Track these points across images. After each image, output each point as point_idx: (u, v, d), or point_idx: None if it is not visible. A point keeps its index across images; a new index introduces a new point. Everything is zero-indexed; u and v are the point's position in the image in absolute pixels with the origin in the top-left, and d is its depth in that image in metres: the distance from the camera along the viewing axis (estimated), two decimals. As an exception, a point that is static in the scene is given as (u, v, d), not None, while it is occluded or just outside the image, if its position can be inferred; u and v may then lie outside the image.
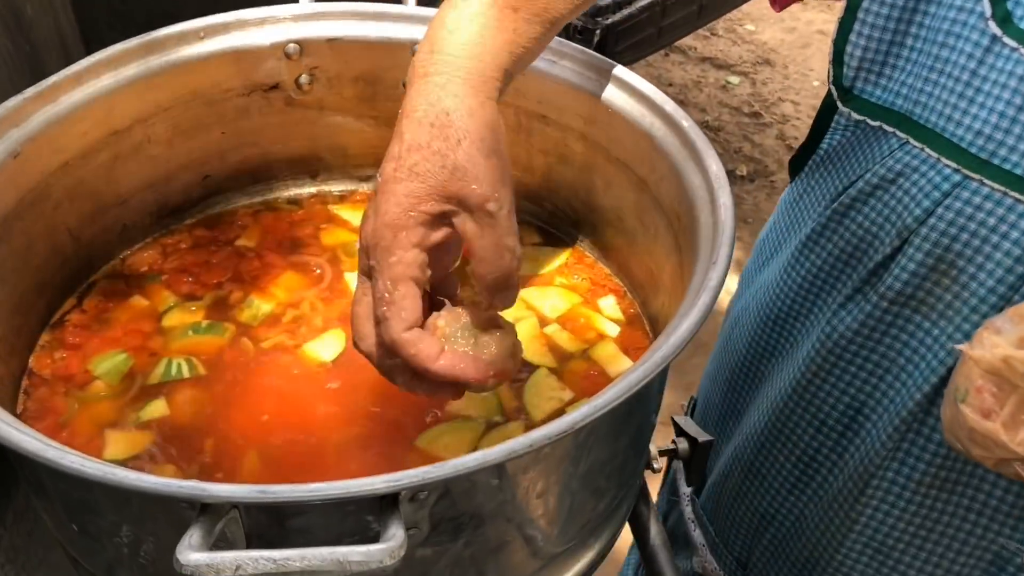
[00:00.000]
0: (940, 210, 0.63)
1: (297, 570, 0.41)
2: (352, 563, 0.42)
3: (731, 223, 0.60)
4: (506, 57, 0.57)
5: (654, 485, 0.95)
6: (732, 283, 0.83)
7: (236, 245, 0.81)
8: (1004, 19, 0.59)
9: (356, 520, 0.48)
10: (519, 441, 0.47)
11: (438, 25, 0.57)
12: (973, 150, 0.61)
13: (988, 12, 0.59)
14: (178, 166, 0.80)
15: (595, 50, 1.77)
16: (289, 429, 0.65)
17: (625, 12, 1.79)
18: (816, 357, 0.75)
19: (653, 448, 0.85)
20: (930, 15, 0.63)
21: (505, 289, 0.56)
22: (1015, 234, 0.61)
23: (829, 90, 0.70)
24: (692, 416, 1.02)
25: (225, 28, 0.76)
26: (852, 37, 0.67)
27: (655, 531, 0.82)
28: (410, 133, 0.54)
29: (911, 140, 0.65)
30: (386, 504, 0.46)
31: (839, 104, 0.70)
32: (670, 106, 0.70)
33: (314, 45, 0.79)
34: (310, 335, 0.73)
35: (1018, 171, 0.59)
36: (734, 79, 3.65)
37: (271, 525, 0.48)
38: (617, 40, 1.80)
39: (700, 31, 3.89)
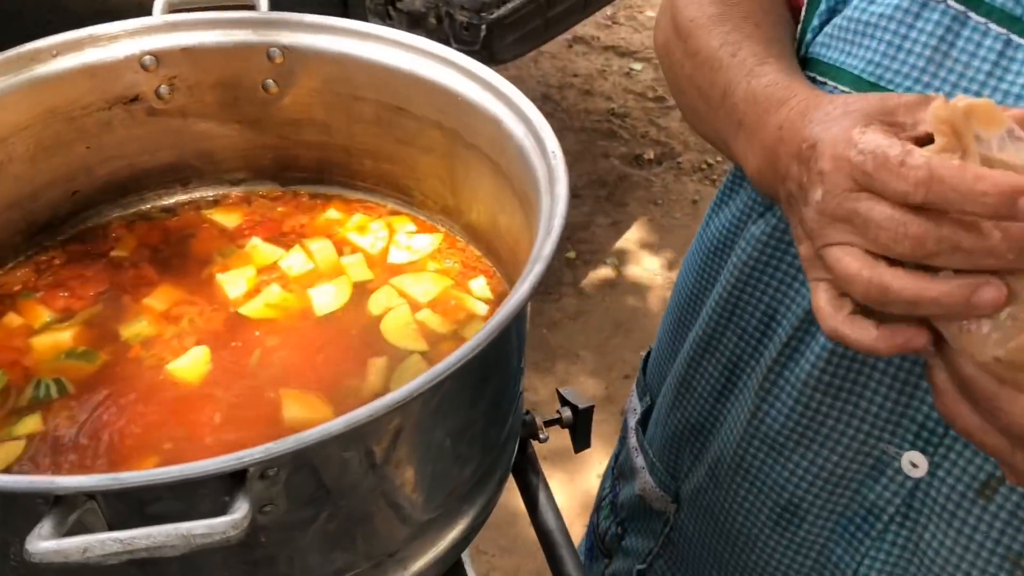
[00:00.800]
0: None
1: (144, 548, 0.44)
2: (196, 536, 0.44)
3: (564, 195, 0.63)
4: None
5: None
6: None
7: (111, 257, 0.82)
8: None
9: (212, 502, 0.50)
10: (359, 412, 0.50)
11: None
12: (863, 75, 0.67)
13: None
14: (44, 183, 0.81)
15: (482, 44, 1.81)
16: (165, 441, 0.67)
17: (510, 6, 1.82)
18: (738, 268, 0.80)
19: (538, 419, 0.90)
20: None
21: None
22: None
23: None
24: (646, 365, 1.07)
25: (78, 44, 0.78)
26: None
27: (543, 499, 0.86)
28: None
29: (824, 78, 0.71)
30: (236, 482, 0.48)
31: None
32: (512, 91, 0.73)
33: (170, 55, 0.81)
34: (181, 351, 0.74)
35: (899, 91, 0.65)
36: (637, 66, 3.73)
37: (130, 514, 0.50)
38: (504, 33, 1.84)
39: (601, 20, 3.96)
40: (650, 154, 3.29)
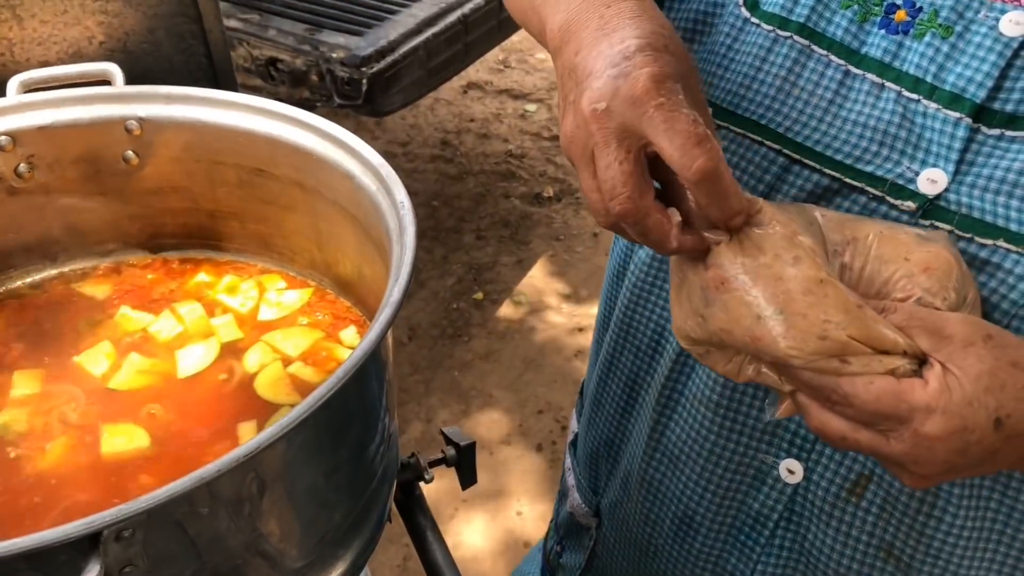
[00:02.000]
0: None
1: (-7, 619, 0.45)
2: (46, 603, 0.45)
3: (412, 243, 0.67)
4: None
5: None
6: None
7: (-24, 338, 0.82)
8: (752, 5, 0.72)
9: (71, 568, 0.51)
10: (207, 468, 0.52)
11: None
12: (723, 104, 0.73)
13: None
14: (-96, 269, 0.81)
15: (365, 99, 1.85)
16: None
17: (388, 59, 1.87)
18: (629, 290, 0.85)
19: (423, 459, 0.92)
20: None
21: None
22: (751, 168, 0.72)
23: None
24: (581, 391, 1.11)
25: (-71, 130, 0.79)
26: None
27: (431, 538, 0.88)
28: None
29: None
30: (91, 546, 0.50)
31: None
32: (362, 147, 0.77)
33: (26, 134, 0.82)
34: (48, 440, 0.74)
35: (773, 125, 0.71)
36: (531, 107, 3.82)
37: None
38: (386, 86, 1.88)
39: (494, 65, 4.05)
40: (549, 191, 3.36)
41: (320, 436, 0.62)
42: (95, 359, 0.80)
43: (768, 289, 0.58)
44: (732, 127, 0.73)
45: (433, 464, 0.93)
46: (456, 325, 2.85)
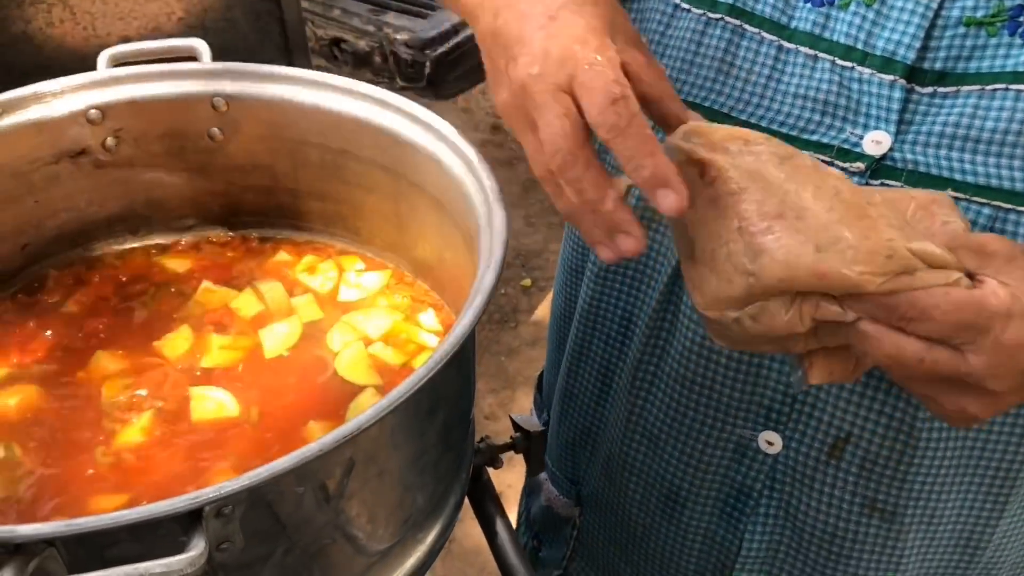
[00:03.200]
0: None
1: (103, 589, 0.45)
2: (154, 575, 0.46)
3: (502, 228, 0.66)
4: None
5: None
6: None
7: (61, 312, 0.83)
8: None
9: (171, 542, 0.51)
10: (309, 447, 0.52)
11: None
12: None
13: None
14: (-8, 237, 0.82)
15: (427, 81, 1.85)
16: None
17: (452, 42, 1.86)
18: (593, 279, 0.87)
19: (493, 445, 0.92)
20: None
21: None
22: None
23: None
24: (540, 384, 1.11)
25: (23, 102, 0.79)
26: None
27: (501, 526, 0.88)
28: None
29: None
30: (192, 521, 0.50)
31: None
32: (451, 132, 0.76)
33: (115, 108, 0.83)
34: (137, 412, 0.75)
35: (717, 108, 0.73)
36: (584, 93, 3.80)
37: (90, 558, 0.51)
38: (448, 70, 1.87)
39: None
40: (600, 180, 3.35)
41: (413, 418, 0.61)
42: (181, 337, 0.80)
43: (818, 220, 0.55)
44: None
45: (502, 449, 0.92)
46: (503, 311, 2.85)
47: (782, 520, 0.81)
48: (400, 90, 2.00)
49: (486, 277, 0.63)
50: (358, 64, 1.92)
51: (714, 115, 0.73)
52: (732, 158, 0.58)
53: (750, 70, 0.72)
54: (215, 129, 0.85)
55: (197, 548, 0.47)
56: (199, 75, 0.84)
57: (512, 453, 0.94)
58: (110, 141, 0.84)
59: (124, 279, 0.87)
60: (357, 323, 0.83)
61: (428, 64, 1.83)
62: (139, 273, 0.88)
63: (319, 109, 0.82)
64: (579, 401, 0.95)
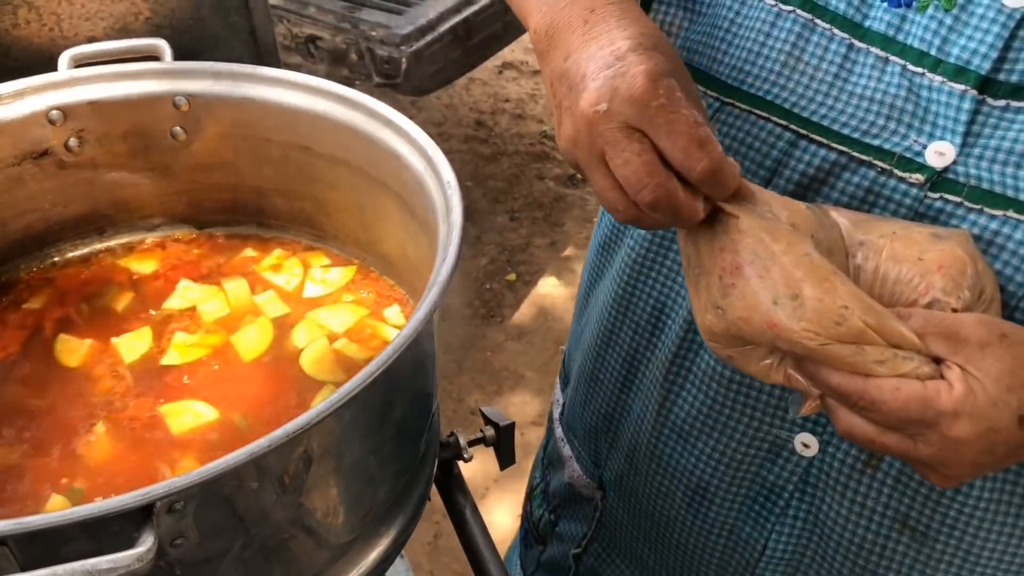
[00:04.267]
0: None
1: (51, 585, 0.46)
2: (101, 571, 0.46)
3: (459, 221, 0.67)
4: None
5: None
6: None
7: (24, 309, 0.83)
8: None
9: (125, 539, 0.52)
10: (259, 443, 0.52)
11: None
12: (728, 80, 0.74)
13: None
14: (-44, 241, 0.82)
15: (403, 77, 1.85)
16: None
17: (428, 38, 1.86)
18: (627, 265, 0.86)
19: (463, 439, 0.92)
20: None
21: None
22: (758, 144, 0.73)
23: None
24: (564, 362, 1.12)
25: (-18, 104, 0.80)
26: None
27: (470, 517, 0.89)
28: None
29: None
30: (144, 517, 0.50)
31: None
32: (409, 126, 0.77)
33: (77, 109, 0.83)
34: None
35: (779, 101, 0.72)
36: (567, 87, 3.80)
37: (44, 556, 0.52)
38: (424, 65, 1.88)
39: (529, 45, 4.03)
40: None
41: (368, 413, 0.62)
42: (140, 337, 0.80)
43: (784, 274, 0.58)
44: (738, 103, 0.74)
45: (472, 443, 0.93)
46: (489, 306, 2.86)
47: (811, 525, 0.80)
48: (377, 87, 2.00)
49: (442, 271, 0.63)
50: (334, 62, 1.92)
51: (777, 110, 0.72)
52: (746, 212, 0.61)
53: (817, 66, 0.70)
54: (177, 128, 0.86)
55: (145, 544, 0.48)
56: (160, 74, 0.84)
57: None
58: (72, 142, 0.84)
59: (89, 278, 0.87)
60: (322, 319, 0.83)
61: (404, 60, 1.83)
62: (105, 273, 0.88)
63: (280, 106, 0.83)
64: (604, 387, 0.95)
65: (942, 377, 0.57)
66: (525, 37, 4.10)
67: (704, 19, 0.77)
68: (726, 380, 0.79)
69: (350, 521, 0.65)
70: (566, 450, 1.05)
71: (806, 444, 0.77)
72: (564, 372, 1.10)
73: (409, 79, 1.86)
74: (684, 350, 0.82)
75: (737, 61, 0.74)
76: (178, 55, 0.88)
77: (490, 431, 0.93)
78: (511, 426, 0.93)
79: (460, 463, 0.92)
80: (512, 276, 2.95)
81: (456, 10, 1.99)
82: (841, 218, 0.65)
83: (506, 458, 0.95)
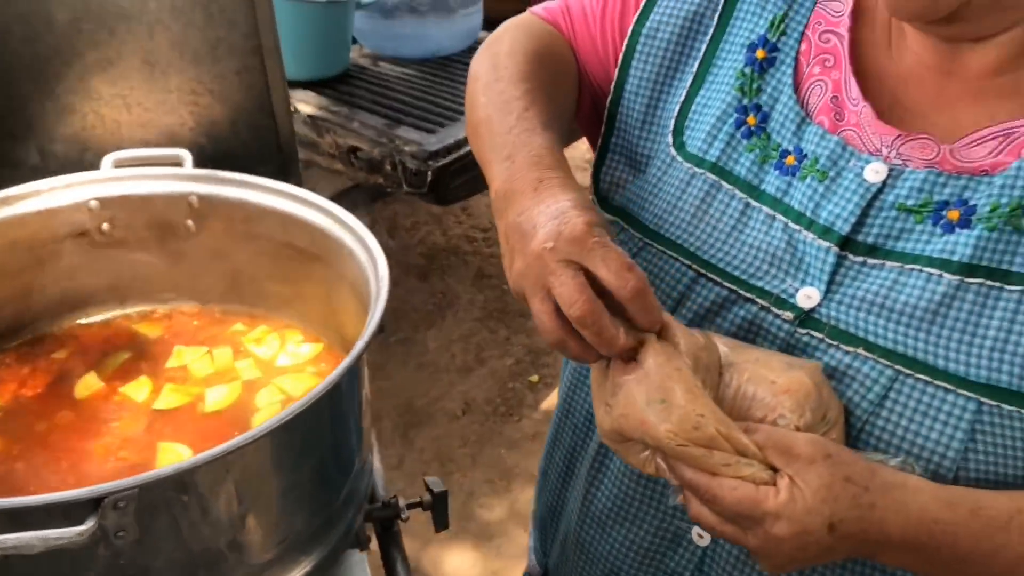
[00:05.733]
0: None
1: (12, 547, 0.62)
2: (51, 539, 0.63)
3: (380, 311, 0.84)
4: None
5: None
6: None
7: (51, 358, 1.03)
8: (680, 146, 0.88)
9: (79, 523, 0.68)
10: (182, 463, 0.69)
11: None
12: (650, 225, 0.89)
13: (670, 141, 0.89)
14: (5, 299, 1.02)
15: (428, 188, 2.07)
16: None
17: (454, 155, 2.09)
18: (570, 374, 1.00)
19: (402, 501, 1.07)
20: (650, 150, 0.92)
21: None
22: (668, 278, 0.87)
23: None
24: None
25: (38, 192, 1.01)
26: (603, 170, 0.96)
27: (401, 570, 1.03)
28: None
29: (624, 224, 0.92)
30: (93, 507, 0.67)
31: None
32: (357, 225, 0.95)
33: (111, 201, 1.04)
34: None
35: (686, 245, 0.86)
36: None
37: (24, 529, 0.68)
38: (449, 179, 2.10)
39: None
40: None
41: (281, 455, 0.78)
42: (141, 384, 1.00)
43: (656, 383, 0.72)
44: (655, 244, 0.88)
45: (411, 507, 1.08)
46: (509, 404, 3.00)
47: None
48: (406, 195, 2.22)
49: (355, 349, 0.80)
50: (371, 171, 2.16)
51: (684, 252, 0.86)
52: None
53: (719, 219, 0.84)
54: (189, 221, 1.06)
55: (87, 524, 0.64)
56: (179, 178, 1.05)
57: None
58: (105, 226, 1.05)
59: (109, 337, 1.07)
60: (284, 384, 1.00)
61: (430, 173, 2.05)
62: (121, 334, 1.07)
63: (270, 209, 1.02)
64: (550, 481, 1.08)
65: (775, 484, 0.70)
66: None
67: (642, 175, 0.93)
68: (635, 475, 0.92)
69: (268, 543, 0.80)
70: (528, 542, 1.19)
71: (700, 535, 0.88)
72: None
73: (433, 190, 2.08)
74: (604, 448, 0.95)
75: (659, 210, 0.89)
76: (215, 158, 1.09)
77: (427, 497, 1.08)
78: (444, 493, 1.08)
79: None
80: (535, 378, 3.10)
81: (449, 149, 2.22)
82: (721, 344, 0.79)
83: (440, 522, 1.10)
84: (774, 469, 0.71)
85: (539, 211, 0.76)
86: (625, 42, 0.92)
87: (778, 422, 0.74)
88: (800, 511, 0.69)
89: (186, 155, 1.07)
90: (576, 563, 1.02)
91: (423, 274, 3.45)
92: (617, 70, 0.93)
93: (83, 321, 1.09)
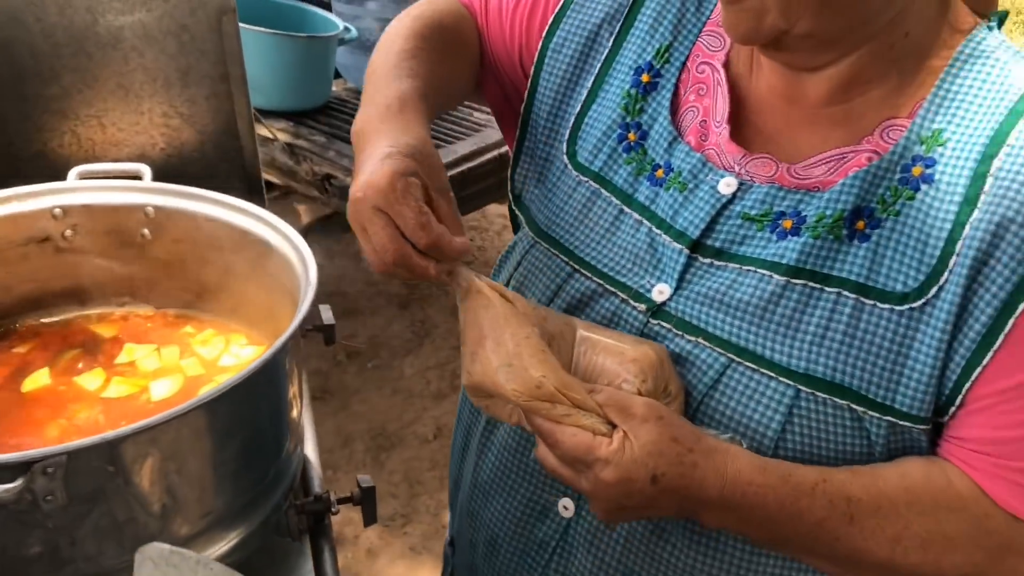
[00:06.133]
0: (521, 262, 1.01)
1: (-53, 499, 0.71)
2: (-21, 494, 0.71)
3: (303, 312, 0.92)
4: None
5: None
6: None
7: (12, 352, 1.11)
8: (572, 155, 0.99)
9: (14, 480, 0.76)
10: (106, 434, 0.77)
11: None
12: (542, 226, 0.99)
13: (564, 150, 0.99)
14: (-29, 297, 1.11)
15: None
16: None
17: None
18: None
19: (332, 496, 1.15)
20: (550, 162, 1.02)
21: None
22: (549, 272, 0.97)
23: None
24: None
25: (7, 200, 1.10)
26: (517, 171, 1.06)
27: (328, 563, 1.10)
28: None
29: (524, 221, 1.03)
30: (23, 470, 0.75)
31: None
32: (292, 234, 1.04)
33: (74, 209, 1.13)
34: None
35: (566, 244, 0.97)
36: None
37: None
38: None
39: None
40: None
41: (204, 433, 0.86)
42: (96, 376, 1.08)
43: (506, 348, 0.82)
44: (543, 242, 0.99)
45: (341, 501, 1.15)
46: (481, 431, 3.07)
47: None
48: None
49: (277, 344, 0.89)
50: (343, 198, 2.26)
51: (564, 250, 0.97)
52: (487, 296, 0.86)
53: (596, 222, 0.95)
54: (145, 230, 1.15)
55: (15, 483, 0.73)
56: (137, 190, 1.14)
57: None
58: (68, 232, 1.14)
59: (68, 335, 1.15)
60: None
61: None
62: (79, 333, 1.16)
63: (215, 220, 1.11)
64: (454, 458, 1.18)
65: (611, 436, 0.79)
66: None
67: (543, 179, 1.03)
68: (511, 450, 1.01)
69: (190, 516, 0.88)
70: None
71: (566, 507, 0.97)
72: None
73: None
74: (492, 424, 1.05)
75: (551, 212, 1.00)
76: (183, 179, 1.18)
77: (357, 492, 1.16)
78: (372, 488, 1.15)
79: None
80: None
81: (455, 164, 2.32)
82: (579, 325, 0.89)
83: (368, 517, 1.17)
84: (615, 426, 0.80)
85: (366, 156, 0.86)
86: (536, 54, 1.03)
87: (623, 386, 0.84)
88: (627, 460, 0.78)
89: (145, 169, 1.17)
90: (467, 530, 1.12)
91: (403, 303, 3.54)
92: (530, 79, 1.04)
93: (45, 320, 1.17)
